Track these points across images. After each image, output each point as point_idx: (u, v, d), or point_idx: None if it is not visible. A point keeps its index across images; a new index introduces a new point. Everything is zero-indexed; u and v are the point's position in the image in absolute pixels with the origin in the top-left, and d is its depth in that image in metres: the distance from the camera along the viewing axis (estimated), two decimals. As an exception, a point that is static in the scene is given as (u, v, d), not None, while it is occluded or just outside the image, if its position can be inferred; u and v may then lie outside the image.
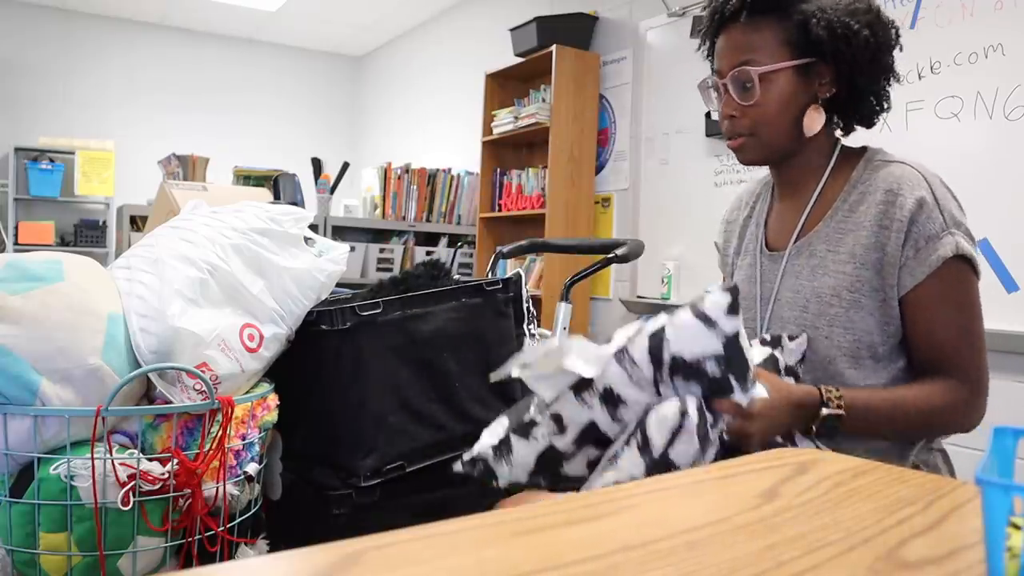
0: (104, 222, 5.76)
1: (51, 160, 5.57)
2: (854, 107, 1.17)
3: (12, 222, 5.48)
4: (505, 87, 4.22)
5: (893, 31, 1.14)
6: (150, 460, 0.99)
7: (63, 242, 5.69)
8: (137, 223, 4.37)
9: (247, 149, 6.48)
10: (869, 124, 1.19)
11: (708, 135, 3.29)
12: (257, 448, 1.10)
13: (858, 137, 1.22)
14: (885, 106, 1.18)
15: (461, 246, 4.46)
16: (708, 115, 3.24)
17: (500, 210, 4.18)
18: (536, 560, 0.45)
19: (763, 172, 1.31)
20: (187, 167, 4.67)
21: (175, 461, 0.99)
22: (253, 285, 1.11)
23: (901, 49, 1.15)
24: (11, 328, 0.95)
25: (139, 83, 6.13)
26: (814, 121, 1.14)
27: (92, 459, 0.94)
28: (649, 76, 3.65)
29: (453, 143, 5.33)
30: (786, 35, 1.11)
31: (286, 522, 1.26)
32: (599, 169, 3.90)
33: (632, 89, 3.74)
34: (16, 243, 5.40)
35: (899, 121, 2.58)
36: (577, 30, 3.87)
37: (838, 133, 1.22)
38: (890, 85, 1.16)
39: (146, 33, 6.16)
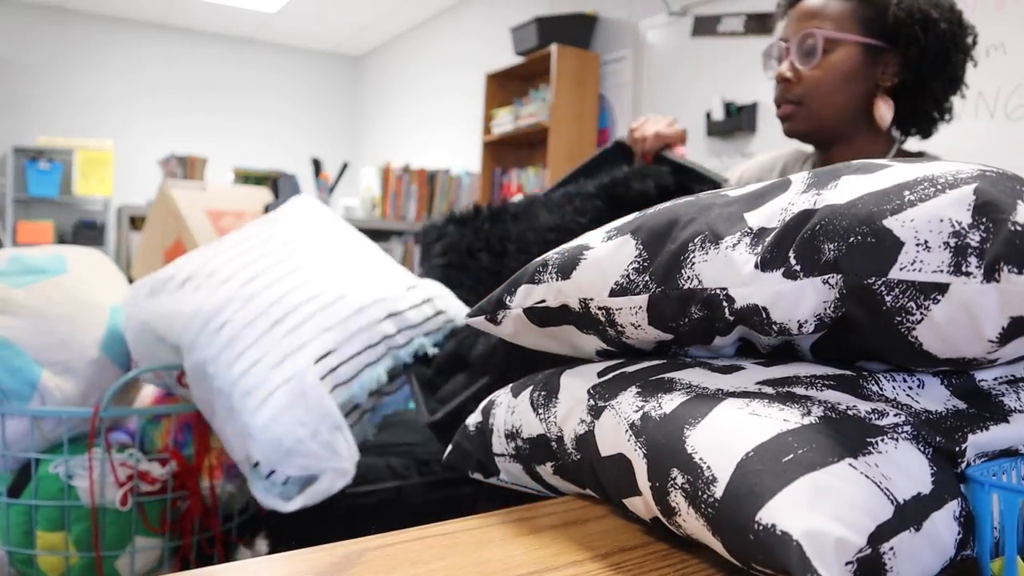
0: (103, 222, 5.76)
1: (50, 160, 5.57)
2: (914, 107, 1.12)
3: (11, 222, 5.48)
4: (505, 87, 4.22)
5: (971, 38, 1.09)
6: (150, 461, 0.99)
7: (62, 242, 5.68)
8: (136, 223, 4.37)
9: (247, 149, 6.48)
10: (927, 132, 1.14)
11: (709, 135, 3.29)
12: (256, 448, 1.10)
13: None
14: (946, 117, 1.13)
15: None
16: (709, 115, 3.24)
17: (500, 210, 4.17)
18: (536, 560, 0.45)
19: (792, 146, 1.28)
20: (186, 167, 4.67)
21: (174, 462, 0.99)
22: None
23: (975, 64, 1.11)
24: (13, 320, 0.95)
25: (138, 83, 6.13)
26: (883, 114, 1.09)
27: (90, 460, 0.94)
28: (649, 76, 3.65)
29: (453, 143, 5.33)
30: (864, 13, 1.08)
31: (286, 522, 1.25)
32: (599, 169, 3.89)
33: (632, 89, 3.73)
34: (15, 243, 5.40)
35: (899, 121, 2.58)
36: (577, 30, 3.87)
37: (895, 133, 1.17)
38: (955, 93, 1.11)
39: (146, 33, 6.16)
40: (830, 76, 1.09)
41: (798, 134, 1.15)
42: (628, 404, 0.50)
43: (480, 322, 0.62)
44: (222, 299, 0.92)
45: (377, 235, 4.31)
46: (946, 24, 1.06)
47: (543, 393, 0.59)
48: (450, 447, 0.68)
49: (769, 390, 0.46)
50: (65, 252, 1.05)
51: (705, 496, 0.41)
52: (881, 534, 0.36)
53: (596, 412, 0.52)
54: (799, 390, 0.45)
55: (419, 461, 1.60)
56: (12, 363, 0.93)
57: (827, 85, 1.09)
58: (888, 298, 0.41)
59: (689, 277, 0.48)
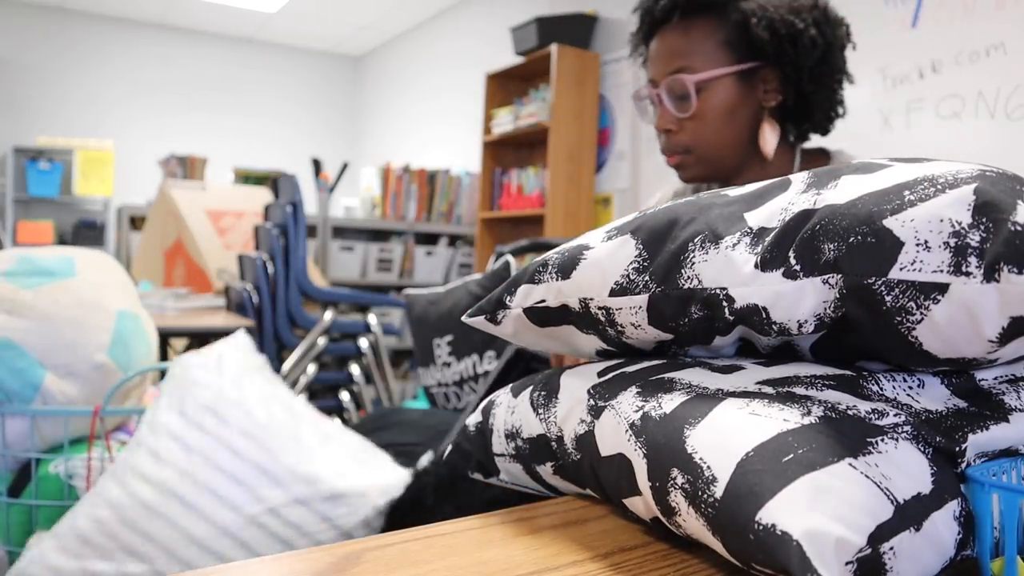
0: (103, 222, 5.76)
1: (50, 160, 5.57)
2: (805, 114, 1.05)
3: (11, 222, 5.48)
4: (505, 87, 4.22)
5: (843, 28, 1.04)
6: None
7: (62, 242, 5.68)
8: (136, 223, 4.37)
9: (247, 149, 6.48)
10: (824, 131, 1.08)
11: (708, 135, 3.29)
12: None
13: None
14: (840, 111, 1.07)
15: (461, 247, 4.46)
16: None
17: (500, 210, 4.18)
18: (536, 560, 0.45)
19: None
20: (186, 167, 4.67)
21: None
22: None
23: (854, 48, 1.06)
24: (20, 322, 0.95)
25: (138, 83, 6.13)
26: (768, 140, 1.03)
27: (89, 460, 0.94)
28: (649, 76, 3.65)
29: (453, 143, 5.33)
30: (725, 36, 1.00)
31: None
32: (599, 169, 3.90)
33: (632, 89, 3.73)
34: (15, 243, 5.40)
35: (900, 120, 2.58)
36: (577, 30, 3.87)
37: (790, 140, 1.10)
38: (843, 88, 1.05)
39: (146, 33, 6.16)
40: (711, 117, 1.01)
41: (696, 180, 1.08)
42: (628, 404, 0.50)
43: (480, 322, 0.62)
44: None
45: (377, 235, 4.31)
46: (814, 30, 0.99)
47: (543, 393, 0.59)
48: (450, 447, 0.68)
49: (769, 390, 0.46)
50: (74, 254, 1.05)
51: (705, 496, 0.41)
52: (881, 534, 0.36)
53: (596, 412, 0.52)
54: (799, 390, 0.45)
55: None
56: (16, 364, 0.93)
57: (711, 127, 1.02)
58: (888, 298, 0.41)
59: (689, 277, 0.48)
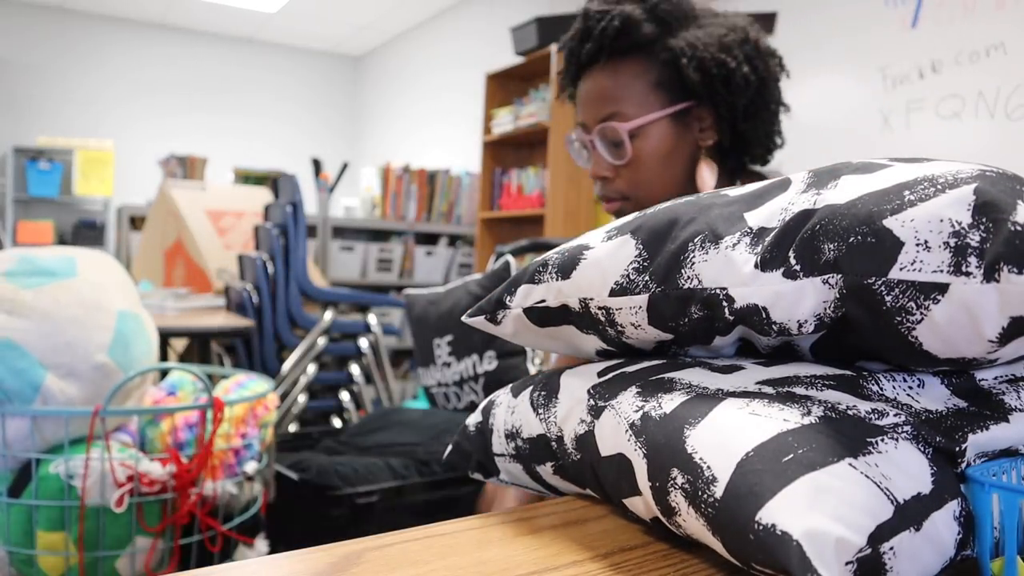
0: (103, 222, 5.76)
1: (50, 160, 5.57)
2: (742, 149, 1.01)
3: (11, 222, 5.48)
4: (505, 87, 4.21)
5: (776, 60, 1.00)
6: (151, 461, 0.99)
7: (62, 242, 5.68)
8: (136, 223, 4.37)
9: (247, 149, 6.49)
10: (764, 162, 1.04)
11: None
12: (256, 447, 1.10)
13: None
14: (778, 141, 1.02)
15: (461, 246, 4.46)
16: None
17: (500, 210, 4.18)
18: (536, 560, 0.45)
19: None
20: (186, 167, 4.68)
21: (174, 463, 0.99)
22: None
23: (788, 76, 1.02)
24: (21, 322, 0.95)
25: (138, 83, 6.13)
26: (705, 181, 1.00)
27: (87, 461, 0.94)
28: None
29: (453, 143, 5.33)
30: (655, 77, 0.96)
31: (286, 522, 1.26)
32: (599, 169, 3.89)
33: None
34: (15, 243, 5.40)
35: (900, 120, 2.58)
36: (577, 30, 3.87)
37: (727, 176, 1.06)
38: (779, 120, 1.01)
39: (146, 33, 6.16)
40: (647, 163, 0.97)
41: None
42: (628, 404, 0.50)
43: (480, 322, 0.62)
44: None
45: (377, 235, 4.31)
46: (746, 67, 0.95)
47: (543, 393, 0.59)
48: (450, 447, 0.68)
49: (769, 390, 0.46)
50: (75, 254, 1.05)
51: (705, 496, 0.41)
52: (881, 534, 0.36)
53: (596, 412, 0.52)
54: (799, 390, 0.45)
55: (419, 461, 1.60)
56: (17, 364, 0.93)
57: (648, 173, 0.98)
58: (888, 298, 0.41)
59: (689, 277, 0.48)
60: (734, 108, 0.96)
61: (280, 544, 1.20)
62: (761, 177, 1.06)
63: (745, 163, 1.04)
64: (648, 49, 0.96)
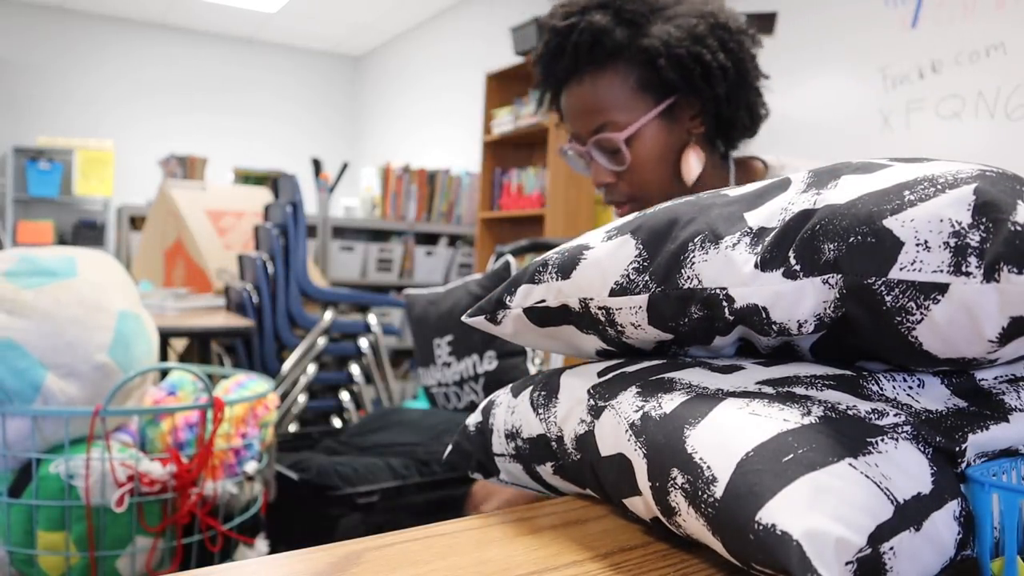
0: (103, 222, 5.76)
1: (50, 160, 5.57)
2: (731, 128, 1.03)
3: (11, 222, 5.48)
4: (505, 87, 4.21)
5: (749, 36, 1.00)
6: (151, 461, 0.99)
7: (62, 242, 5.68)
8: (136, 223, 4.37)
9: (247, 149, 6.49)
10: (753, 134, 1.06)
11: (708, 135, 3.29)
12: (257, 447, 1.10)
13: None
14: (763, 113, 1.04)
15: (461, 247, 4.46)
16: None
17: (500, 210, 4.18)
18: (536, 560, 0.45)
19: None
20: (186, 167, 4.68)
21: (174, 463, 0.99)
22: None
23: (761, 47, 1.02)
24: (21, 322, 0.95)
25: (138, 83, 6.13)
26: (691, 168, 1.00)
27: (87, 460, 0.94)
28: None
29: (453, 143, 5.33)
30: (636, 80, 0.97)
31: (286, 522, 1.26)
32: (599, 169, 3.89)
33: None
34: (15, 243, 5.40)
35: (900, 120, 2.58)
36: (577, 30, 3.87)
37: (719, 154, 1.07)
38: (760, 93, 1.03)
39: (146, 33, 6.16)
40: (646, 164, 0.99)
41: None
42: (628, 404, 0.50)
43: (480, 322, 0.62)
44: None
45: (377, 235, 4.31)
46: (721, 54, 0.96)
47: (543, 393, 0.59)
48: (450, 447, 0.68)
49: (769, 390, 0.46)
50: (75, 254, 1.05)
51: (705, 496, 0.41)
52: (881, 534, 0.36)
53: (596, 412, 0.52)
54: (799, 390, 0.45)
55: (419, 461, 1.60)
56: (17, 364, 0.93)
57: (648, 173, 1.00)
58: (888, 298, 0.41)
59: (689, 277, 0.48)
60: (717, 97, 0.97)
61: (280, 544, 1.20)
62: (760, 162, 1.08)
63: (735, 139, 1.05)
64: (622, 55, 0.97)
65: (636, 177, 1.00)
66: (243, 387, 1.17)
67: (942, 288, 0.39)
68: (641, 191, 1.01)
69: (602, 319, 0.54)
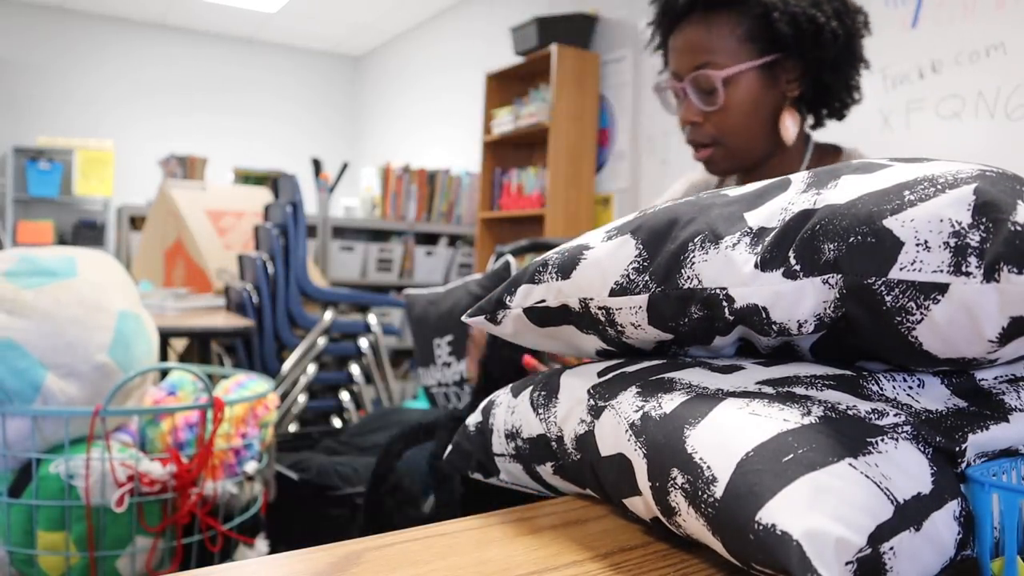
0: (103, 222, 5.76)
1: (50, 160, 5.57)
2: (823, 101, 1.08)
3: (11, 222, 5.48)
4: (505, 87, 4.22)
5: (862, 17, 1.05)
6: (151, 461, 0.99)
7: (62, 242, 5.68)
8: (136, 223, 4.37)
9: (247, 149, 6.48)
10: (840, 116, 1.11)
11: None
12: (256, 447, 1.10)
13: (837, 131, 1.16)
14: (856, 97, 1.09)
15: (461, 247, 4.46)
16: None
17: (500, 210, 4.18)
18: (536, 560, 0.45)
19: None
20: (186, 167, 4.68)
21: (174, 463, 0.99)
22: None
23: (870, 33, 1.07)
24: (21, 322, 0.95)
25: (138, 83, 6.13)
26: (788, 128, 1.04)
27: (87, 460, 0.94)
28: (649, 76, 3.65)
29: (453, 143, 5.33)
30: (747, 30, 1.02)
31: (286, 522, 1.26)
32: (599, 169, 3.90)
33: (632, 89, 3.73)
34: (15, 243, 5.40)
35: (900, 120, 2.58)
36: (577, 30, 3.87)
37: (808, 128, 1.13)
38: (860, 74, 1.08)
39: (146, 33, 6.16)
40: (737, 110, 1.04)
41: (723, 172, 1.10)
42: (628, 404, 0.50)
43: (480, 321, 0.62)
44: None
45: (377, 235, 4.31)
46: (835, 21, 1.00)
47: (543, 393, 0.59)
48: (450, 447, 0.68)
49: (769, 390, 0.46)
50: (75, 254, 1.05)
51: (705, 496, 0.41)
52: (881, 534, 0.36)
53: (596, 412, 0.52)
54: (799, 390, 0.45)
55: (419, 461, 1.60)
56: (17, 364, 0.93)
57: (737, 120, 1.04)
58: (888, 298, 0.41)
59: (689, 277, 0.48)
60: (822, 61, 1.01)
61: (280, 544, 1.20)
62: (835, 151, 1.12)
63: (823, 117, 1.11)
64: (740, 2, 1.01)
65: (725, 120, 1.04)
66: (243, 387, 1.17)
67: (942, 288, 0.39)
68: (726, 135, 1.05)
69: (602, 319, 0.54)
